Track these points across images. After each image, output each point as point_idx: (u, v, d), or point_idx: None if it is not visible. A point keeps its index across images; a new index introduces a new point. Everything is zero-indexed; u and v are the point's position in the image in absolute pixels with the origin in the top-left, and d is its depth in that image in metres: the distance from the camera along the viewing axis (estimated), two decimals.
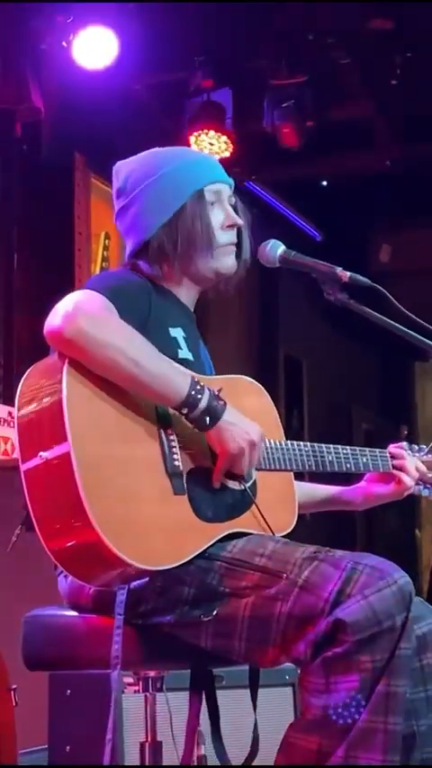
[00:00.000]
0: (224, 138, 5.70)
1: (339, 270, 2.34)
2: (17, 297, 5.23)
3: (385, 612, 1.99)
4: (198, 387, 2.12)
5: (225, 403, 2.16)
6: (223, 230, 2.38)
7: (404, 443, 2.58)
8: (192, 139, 5.65)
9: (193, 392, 2.11)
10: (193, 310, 2.44)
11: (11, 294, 5.20)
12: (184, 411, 2.13)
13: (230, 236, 2.39)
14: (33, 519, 2.06)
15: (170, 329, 2.29)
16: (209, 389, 2.14)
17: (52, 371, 2.09)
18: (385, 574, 2.03)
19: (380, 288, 2.31)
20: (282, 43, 5.33)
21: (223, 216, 2.38)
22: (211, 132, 5.65)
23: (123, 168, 2.42)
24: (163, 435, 2.15)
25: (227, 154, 5.67)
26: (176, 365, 2.17)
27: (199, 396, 2.12)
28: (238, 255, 2.42)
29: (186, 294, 2.41)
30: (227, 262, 2.39)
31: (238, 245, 2.42)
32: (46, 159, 5.44)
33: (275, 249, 2.39)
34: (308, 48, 5.31)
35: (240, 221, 2.40)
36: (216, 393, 2.16)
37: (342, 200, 7.05)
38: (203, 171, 2.40)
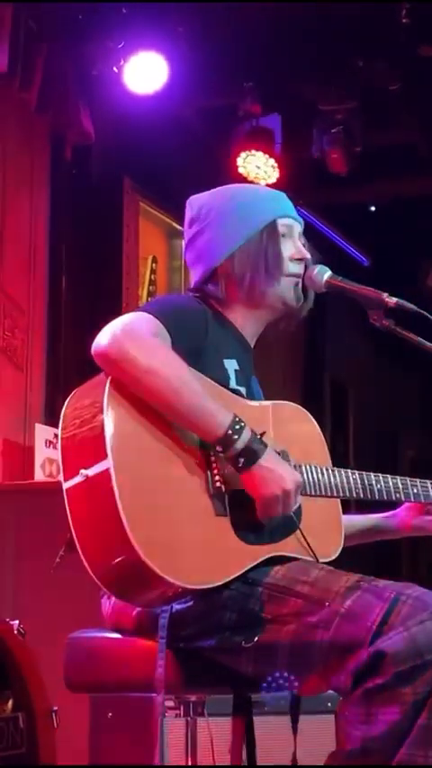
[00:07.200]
0: (271, 161, 5.68)
1: (386, 295, 2.34)
2: (65, 319, 5.27)
3: (427, 645, 1.98)
4: (238, 427, 2.10)
5: (266, 447, 2.13)
6: (292, 262, 2.40)
7: None
8: (239, 161, 5.65)
9: (230, 431, 2.09)
10: (253, 344, 2.43)
11: (59, 317, 5.24)
12: (219, 449, 2.11)
13: (297, 268, 2.40)
14: (75, 537, 2.06)
15: (224, 360, 2.29)
16: (251, 431, 2.12)
17: (96, 389, 2.10)
18: (429, 605, 2.01)
19: (427, 314, 2.30)
20: (331, 69, 5.34)
21: (293, 249, 2.41)
22: (259, 153, 5.64)
23: (197, 200, 2.45)
24: (205, 455, 2.14)
25: (273, 179, 5.66)
26: (224, 397, 2.15)
27: (236, 436, 2.09)
28: (303, 290, 2.42)
29: (248, 325, 2.41)
30: (292, 291, 2.40)
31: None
32: (95, 183, 5.48)
33: (322, 274, 2.40)
34: (357, 74, 5.31)
35: (308, 255, 2.42)
36: (258, 435, 2.13)
37: (390, 224, 7.03)
38: (277, 204, 2.44)
